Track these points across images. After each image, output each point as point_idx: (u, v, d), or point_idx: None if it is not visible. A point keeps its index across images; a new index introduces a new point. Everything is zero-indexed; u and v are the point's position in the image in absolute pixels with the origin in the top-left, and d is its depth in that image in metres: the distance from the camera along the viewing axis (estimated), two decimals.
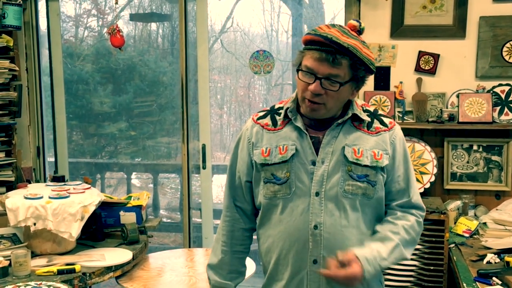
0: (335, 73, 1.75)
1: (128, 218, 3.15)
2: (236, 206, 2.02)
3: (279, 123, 1.92)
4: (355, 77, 1.79)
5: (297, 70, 1.81)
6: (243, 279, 2.09)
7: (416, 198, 1.95)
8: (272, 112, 1.96)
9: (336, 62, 1.73)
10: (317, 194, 1.82)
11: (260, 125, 1.95)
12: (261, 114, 1.98)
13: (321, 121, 1.87)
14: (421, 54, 3.40)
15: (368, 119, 1.89)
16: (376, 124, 1.90)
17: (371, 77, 3.39)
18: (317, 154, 1.84)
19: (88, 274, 2.59)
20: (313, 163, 1.84)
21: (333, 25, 1.79)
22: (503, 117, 3.32)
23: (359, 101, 1.94)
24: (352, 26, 1.81)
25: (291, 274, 1.87)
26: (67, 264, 2.63)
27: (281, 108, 1.94)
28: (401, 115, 3.43)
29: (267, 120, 1.94)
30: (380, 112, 1.96)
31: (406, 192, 1.93)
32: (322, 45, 1.74)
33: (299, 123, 1.87)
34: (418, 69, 3.41)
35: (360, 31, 1.82)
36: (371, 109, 1.95)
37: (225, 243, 2.03)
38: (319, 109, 1.80)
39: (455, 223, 3.18)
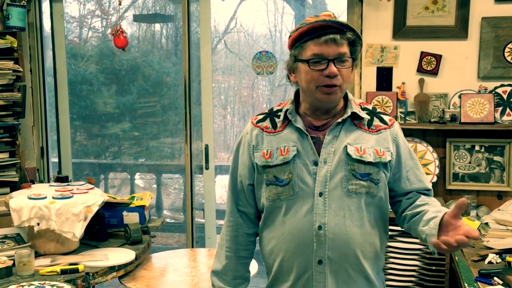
0: (343, 51, 1.78)
1: (131, 218, 3.17)
2: (240, 211, 2.01)
3: (279, 125, 1.92)
4: (352, 54, 1.82)
5: (307, 62, 1.79)
6: (248, 284, 2.07)
7: (427, 184, 2.00)
8: (271, 114, 1.97)
9: (342, 39, 1.77)
10: (320, 194, 1.81)
11: (260, 128, 1.95)
12: (260, 117, 1.98)
13: (321, 121, 1.88)
14: (423, 54, 3.40)
15: (367, 117, 1.90)
16: (376, 122, 1.90)
17: (373, 77, 3.46)
18: (318, 154, 1.84)
19: (91, 274, 2.60)
20: (315, 164, 1.84)
21: (316, 15, 1.83)
22: (505, 118, 3.33)
23: (357, 99, 1.95)
24: (328, 15, 1.84)
25: (296, 276, 1.86)
26: (71, 264, 2.65)
27: (280, 110, 1.95)
28: (403, 116, 3.43)
29: (267, 123, 1.95)
30: (378, 110, 1.97)
31: (420, 182, 1.96)
32: (323, 29, 1.77)
33: (299, 124, 1.87)
34: (420, 69, 3.42)
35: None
36: (370, 107, 1.96)
37: (230, 248, 2.02)
38: (336, 92, 1.82)
39: None
